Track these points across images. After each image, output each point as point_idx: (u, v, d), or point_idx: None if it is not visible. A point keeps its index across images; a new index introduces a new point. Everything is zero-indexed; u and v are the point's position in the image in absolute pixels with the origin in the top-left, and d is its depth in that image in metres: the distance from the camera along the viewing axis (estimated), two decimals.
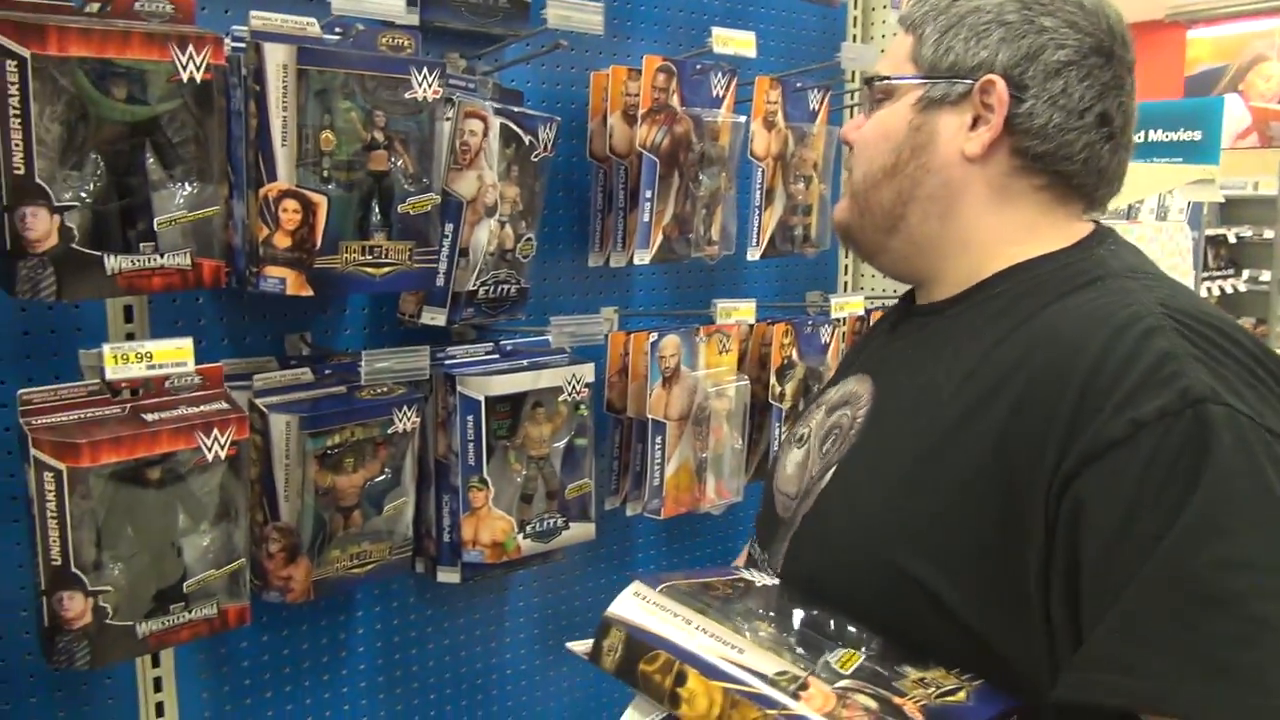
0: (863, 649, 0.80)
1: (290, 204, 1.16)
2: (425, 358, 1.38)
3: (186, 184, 1.11)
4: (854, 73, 1.97)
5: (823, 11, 2.00)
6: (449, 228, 1.35)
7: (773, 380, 1.78)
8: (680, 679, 0.77)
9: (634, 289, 1.80)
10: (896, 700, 0.74)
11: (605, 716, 1.85)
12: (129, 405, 1.14)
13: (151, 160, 1.09)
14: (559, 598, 1.78)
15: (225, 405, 1.19)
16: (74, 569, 1.07)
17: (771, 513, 1.03)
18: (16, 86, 0.99)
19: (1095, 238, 0.93)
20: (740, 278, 1.95)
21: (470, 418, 1.41)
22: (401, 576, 1.53)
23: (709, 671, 0.76)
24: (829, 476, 0.94)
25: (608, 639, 0.82)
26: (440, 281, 1.36)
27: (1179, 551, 0.69)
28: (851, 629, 0.83)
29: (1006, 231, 0.92)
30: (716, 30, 1.59)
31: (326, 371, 1.35)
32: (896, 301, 1.10)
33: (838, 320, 1.86)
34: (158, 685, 1.33)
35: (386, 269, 1.25)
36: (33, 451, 1.04)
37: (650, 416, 1.61)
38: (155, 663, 1.32)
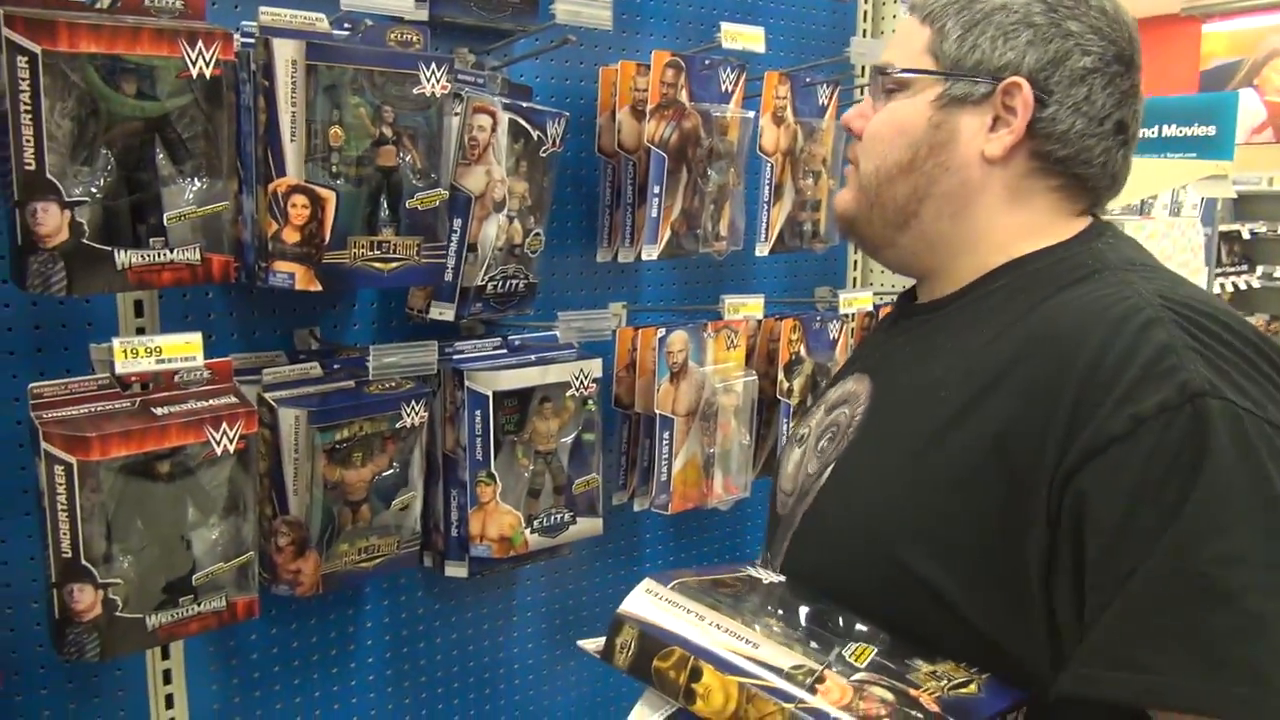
0: (873, 643, 0.81)
1: (299, 199, 1.16)
2: (433, 353, 1.39)
3: (196, 179, 1.11)
4: (863, 68, 1.97)
5: (832, 6, 1.99)
6: (457, 223, 1.35)
7: (781, 376, 1.78)
8: (695, 674, 0.77)
9: (642, 284, 1.80)
10: (912, 692, 0.75)
11: (612, 711, 1.86)
12: (139, 399, 1.15)
13: (161, 156, 1.09)
14: (566, 592, 1.79)
15: (234, 399, 1.19)
16: (84, 562, 1.08)
17: (773, 511, 1.04)
18: (27, 82, 0.99)
19: (1093, 231, 0.93)
20: (749, 273, 1.95)
21: (478, 412, 1.41)
22: (409, 571, 1.54)
23: (724, 666, 0.76)
24: (827, 474, 0.94)
25: (620, 636, 0.81)
26: (448, 277, 1.36)
27: (1179, 547, 0.70)
28: (859, 625, 0.83)
29: (1017, 230, 0.92)
30: (725, 25, 1.58)
31: (335, 366, 1.35)
32: (896, 299, 1.10)
33: (846, 316, 1.85)
34: (167, 677, 1.34)
35: (395, 264, 1.25)
36: (43, 445, 1.05)
37: (658, 412, 1.61)
38: (165, 655, 1.33)
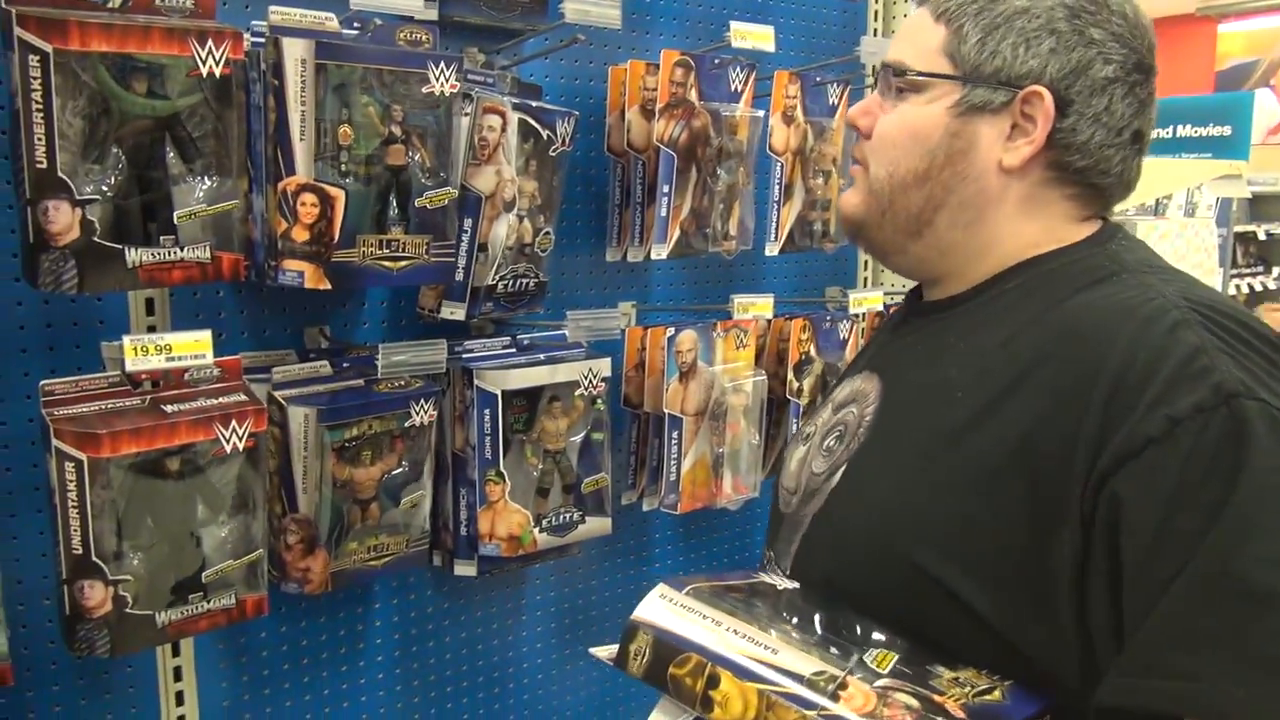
0: (893, 649, 0.79)
1: (308, 198, 1.17)
2: (442, 351, 1.39)
3: (206, 178, 1.12)
4: (874, 67, 1.96)
5: (843, 5, 1.99)
6: (468, 223, 1.35)
7: (790, 376, 1.77)
8: (713, 682, 0.75)
9: (651, 284, 1.80)
10: (937, 699, 0.73)
11: (622, 710, 1.86)
12: (149, 397, 1.15)
13: (172, 154, 1.10)
14: (575, 591, 1.78)
15: (244, 397, 1.20)
16: (95, 558, 1.08)
17: (776, 509, 1.02)
18: (39, 81, 1.00)
19: (1105, 233, 0.92)
20: (758, 273, 1.95)
21: (487, 411, 1.41)
22: (418, 569, 1.54)
23: (743, 673, 0.74)
24: (839, 475, 0.92)
25: (634, 643, 0.79)
26: (459, 276, 1.37)
27: (1221, 551, 0.68)
28: (875, 632, 0.81)
29: (1030, 236, 0.91)
30: (735, 24, 1.58)
31: (345, 365, 1.35)
32: (903, 298, 1.08)
33: (856, 316, 1.85)
34: (177, 674, 1.34)
35: (404, 263, 1.25)
36: (54, 442, 1.06)
37: (667, 411, 1.61)
38: (175, 652, 1.33)
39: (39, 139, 1.00)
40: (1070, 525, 0.75)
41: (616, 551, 1.82)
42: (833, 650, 0.78)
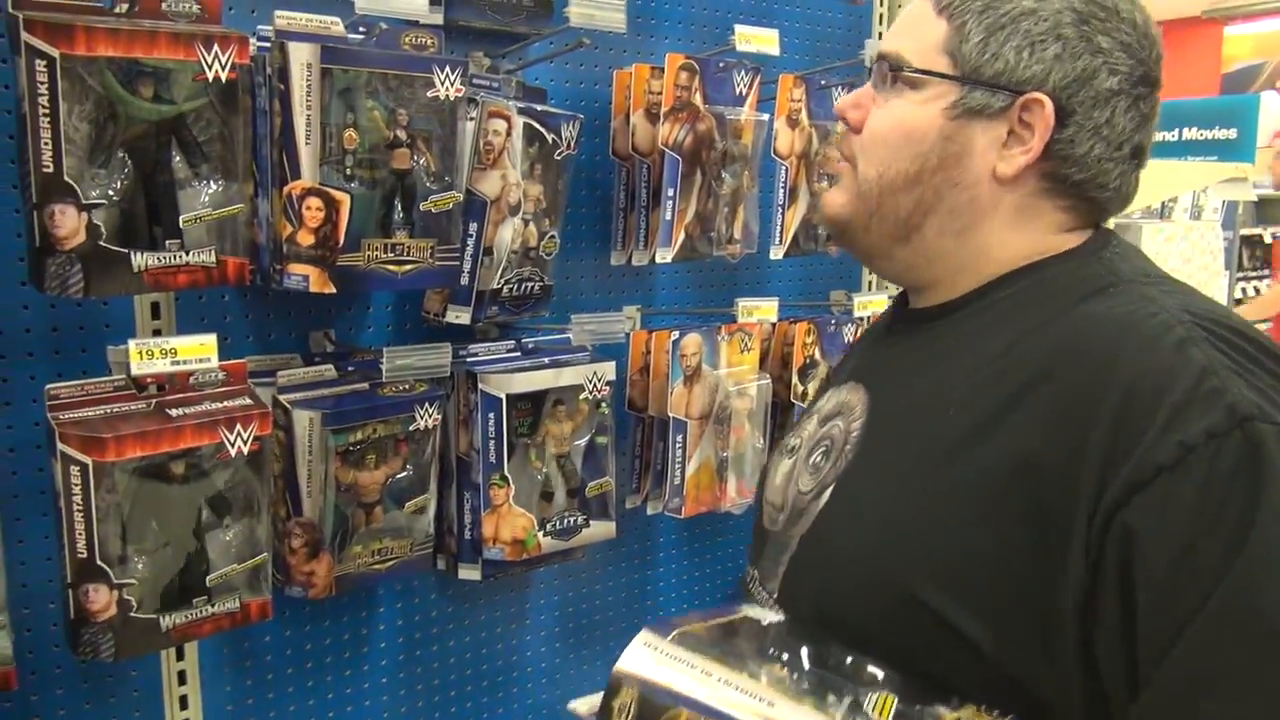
0: (890, 689, 0.74)
1: (314, 202, 1.17)
2: (447, 355, 1.39)
3: (212, 182, 1.12)
4: (871, 57, 1.96)
5: (847, 8, 1.98)
6: (473, 227, 1.35)
7: (795, 379, 1.77)
8: None
9: (656, 287, 1.80)
10: None
11: None
12: (154, 401, 1.15)
13: (178, 159, 1.10)
14: (579, 596, 1.78)
15: (249, 401, 1.20)
16: (99, 562, 1.08)
17: (760, 526, 0.98)
18: (46, 86, 1.00)
19: (1099, 240, 0.88)
20: (763, 276, 1.94)
21: (491, 415, 1.41)
22: (422, 573, 1.54)
23: None
24: (827, 495, 0.87)
25: (618, 698, 0.74)
26: (464, 280, 1.37)
27: (1243, 587, 0.65)
28: (870, 668, 0.76)
29: (1021, 246, 0.87)
30: (740, 28, 1.58)
31: (349, 368, 1.36)
32: (888, 305, 1.03)
33: (861, 319, 1.85)
34: (182, 678, 1.34)
35: (408, 267, 1.25)
36: (59, 446, 1.06)
37: (671, 415, 1.60)
38: (180, 656, 1.33)
39: (45, 143, 1.01)
40: (1076, 556, 0.71)
41: (621, 555, 1.82)
42: (830, 697, 0.73)
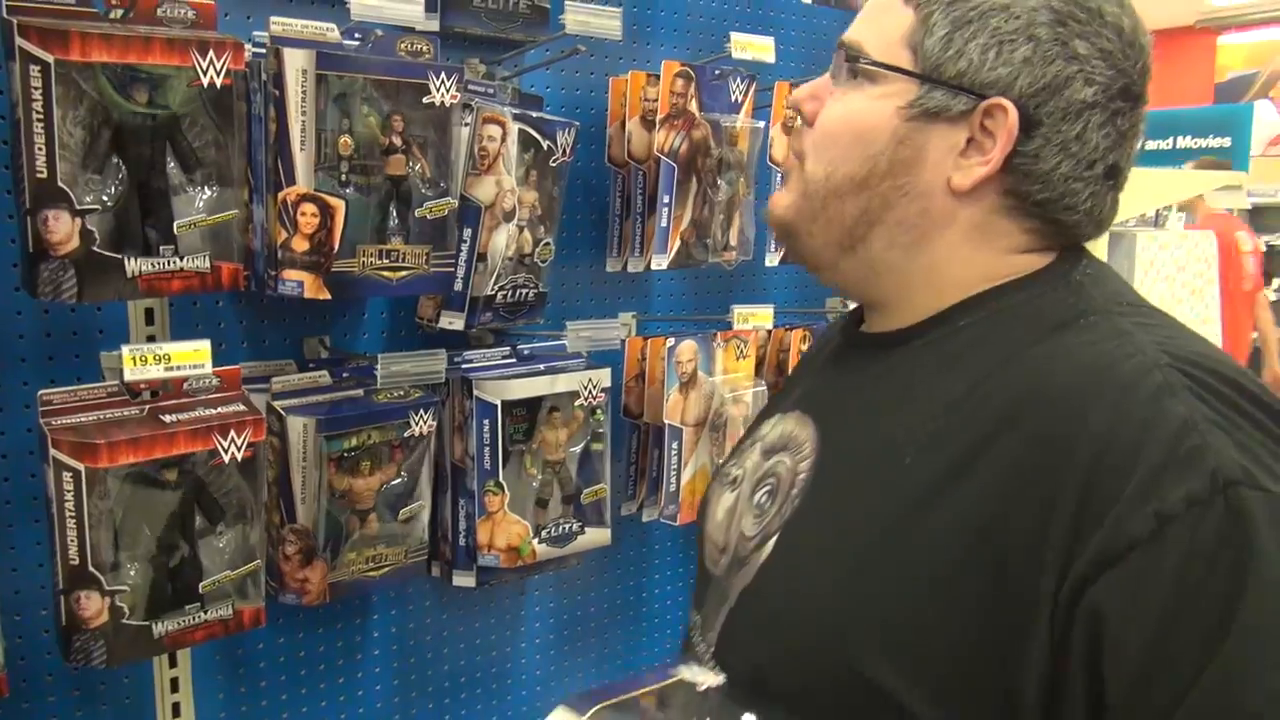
0: None
1: (308, 208, 1.17)
2: (442, 361, 1.39)
3: (206, 188, 1.12)
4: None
5: (842, 16, 1.99)
6: (467, 232, 1.35)
7: None
8: None
9: (652, 294, 1.80)
10: None
11: None
12: (148, 406, 1.15)
13: (172, 164, 1.10)
14: (574, 603, 1.78)
15: (242, 407, 1.19)
16: (91, 569, 1.08)
17: (703, 566, 0.90)
18: (40, 91, 1.00)
19: (1070, 260, 0.79)
20: (758, 283, 1.95)
21: (486, 422, 1.41)
22: (417, 580, 1.53)
23: None
24: (770, 547, 0.80)
25: None
26: (458, 286, 1.37)
27: (1226, 680, 0.58)
28: None
29: (979, 269, 0.79)
30: (735, 35, 1.59)
31: (344, 374, 1.35)
32: (841, 320, 0.96)
33: None
34: (174, 685, 1.33)
35: (403, 273, 1.25)
36: (52, 452, 1.05)
37: (667, 422, 1.60)
38: (172, 663, 1.33)
39: (39, 149, 1.00)
40: (1039, 637, 0.64)
41: (616, 563, 1.81)
42: None
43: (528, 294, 1.46)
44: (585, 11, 1.42)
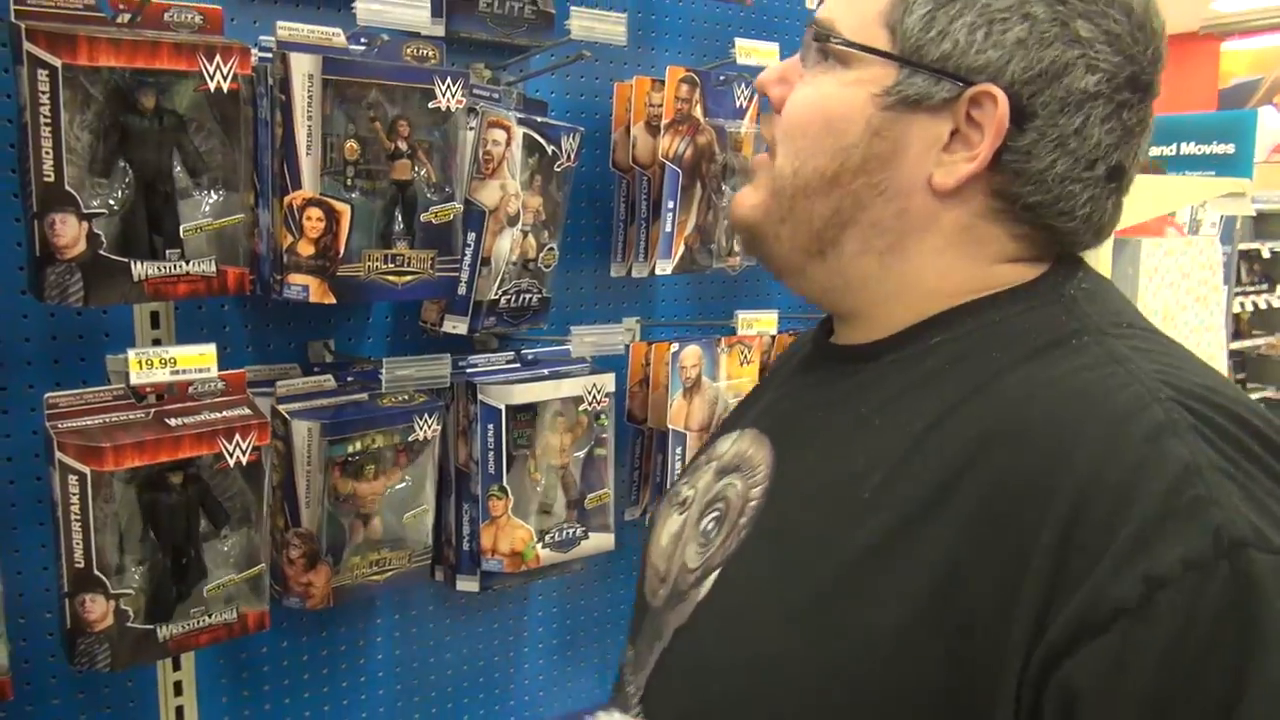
0: None
1: (314, 212, 1.17)
2: (446, 366, 1.39)
3: (213, 192, 1.12)
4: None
5: None
6: (471, 237, 1.35)
7: None
8: None
9: (656, 299, 1.80)
10: None
11: None
12: (153, 410, 1.15)
13: (178, 168, 1.10)
14: (577, 608, 1.78)
15: (247, 411, 1.19)
16: (96, 572, 1.08)
17: (641, 593, 0.81)
18: (47, 96, 1.00)
19: (1064, 272, 0.70)
20: (763, 289, 1.95)
21: (491, 426, 1.41)
22: (420, 584, 1.53)
23: None
24: (709, 584, 0.70)
25: None
26: (462, 290, 1.37)
27: None
28: None
29: (961, 279, 0.70)
30: (740, 41, 1.59)
31: (349, 379, 1.35)
32: (810, 331, 0.87)
33: None
34: (178, 689, 1.33)
35: (408, 277, 1.25)
36: (57, 455, 1.06)
37: (671, 427, 1.60)
38: (176, 666, 1.33)
39: (46, 153, 1.01)
40: (1003, 712, 0.55)
41: (619, 568, 1.81)
42: None
43: (531, 299, 1.46)
44: (590, 17, 1.42)
